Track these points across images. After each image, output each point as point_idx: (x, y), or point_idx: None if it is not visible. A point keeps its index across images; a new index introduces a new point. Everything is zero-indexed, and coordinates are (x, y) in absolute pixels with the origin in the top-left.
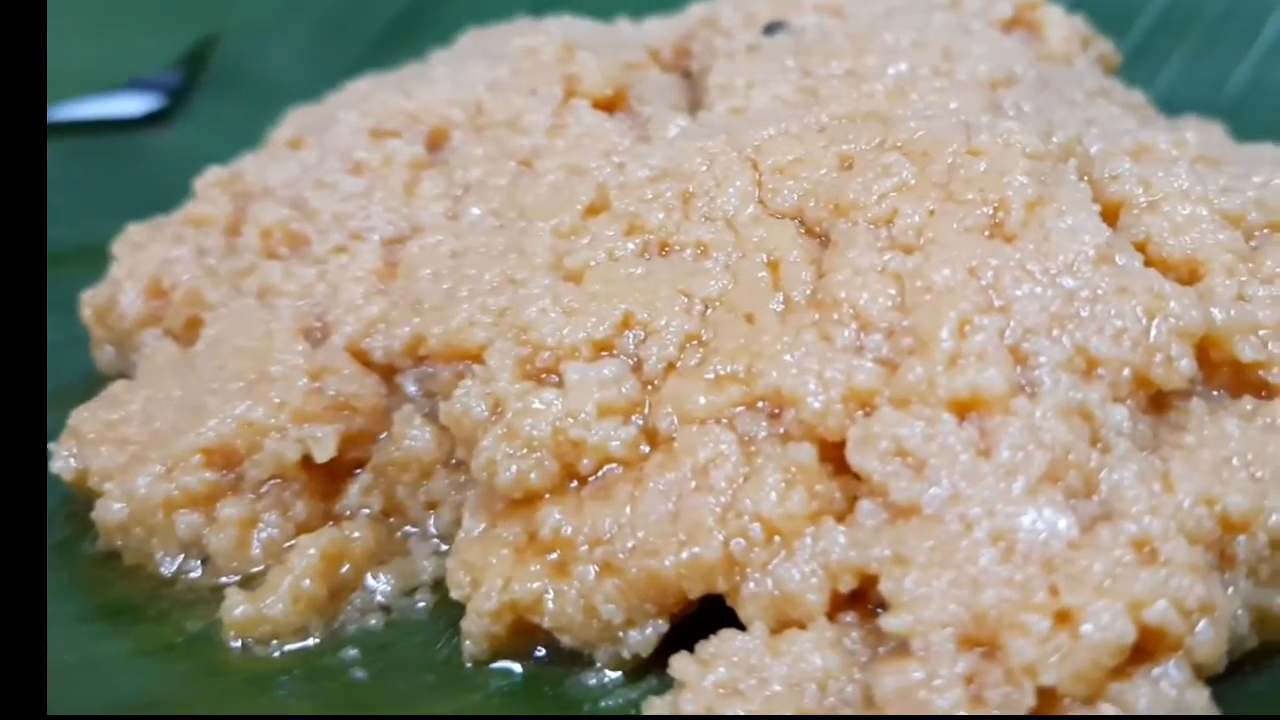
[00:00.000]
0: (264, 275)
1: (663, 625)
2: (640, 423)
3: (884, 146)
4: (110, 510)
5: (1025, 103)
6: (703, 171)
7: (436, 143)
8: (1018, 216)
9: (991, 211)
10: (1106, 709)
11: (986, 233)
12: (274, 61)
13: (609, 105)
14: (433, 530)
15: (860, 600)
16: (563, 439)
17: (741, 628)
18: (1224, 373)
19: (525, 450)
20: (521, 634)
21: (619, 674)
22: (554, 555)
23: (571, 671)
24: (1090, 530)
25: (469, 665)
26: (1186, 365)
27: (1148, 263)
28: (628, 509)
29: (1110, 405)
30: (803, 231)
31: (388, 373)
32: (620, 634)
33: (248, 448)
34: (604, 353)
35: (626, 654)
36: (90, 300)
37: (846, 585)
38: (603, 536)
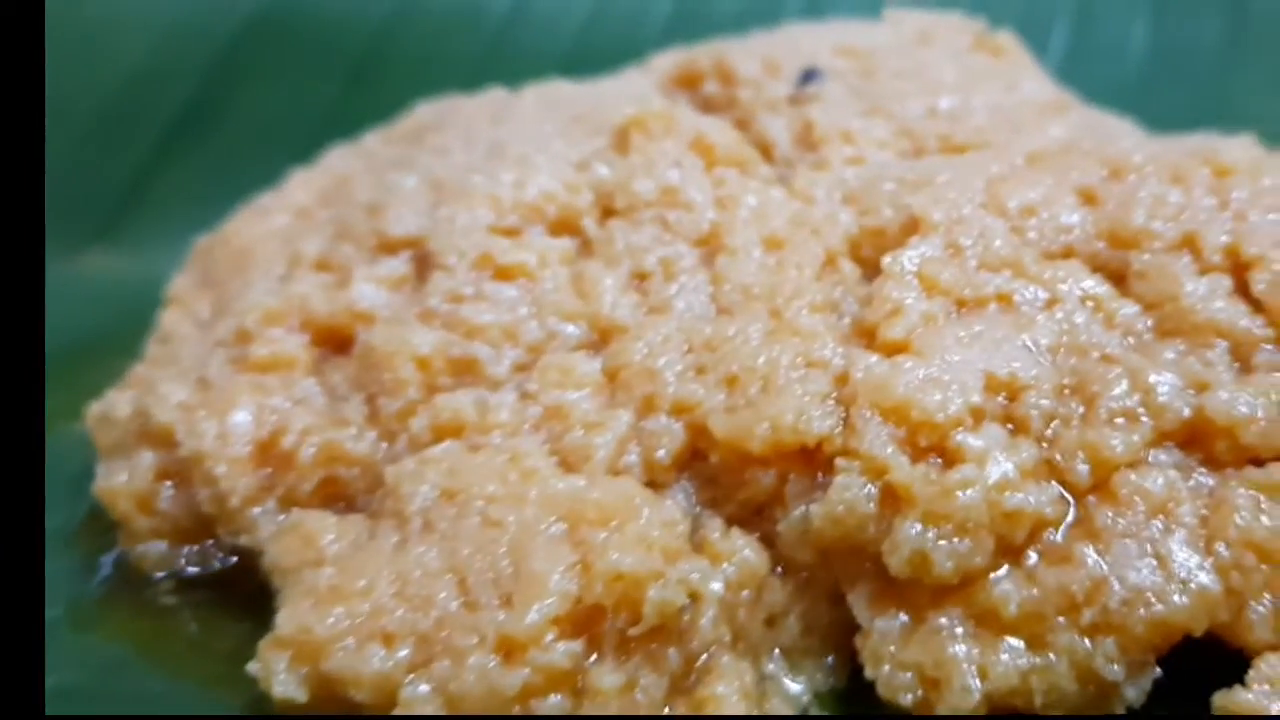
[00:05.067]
0: (444, 413)
1: (1157, 671)
2: (1055, 482)
3: (1120, 175)
4: None
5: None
6: (956, 224)
7: (563, 233)
8: None
9: None
10: None
11: None
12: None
13: (739, 167)
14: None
15: None
16: (997, 512)
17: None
18: None
19: (962, 531)
20: None
21: None
22: (1031, 631)
23: None
24: None
25: None
26: None
27: None
28: (1104, 564)
29: None
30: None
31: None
32: (1119, 691)
33: (617, 603)
34: (983, 419)
35: (1121, 709)
36: (125, 489)
37: None
38: (1077, 599)
